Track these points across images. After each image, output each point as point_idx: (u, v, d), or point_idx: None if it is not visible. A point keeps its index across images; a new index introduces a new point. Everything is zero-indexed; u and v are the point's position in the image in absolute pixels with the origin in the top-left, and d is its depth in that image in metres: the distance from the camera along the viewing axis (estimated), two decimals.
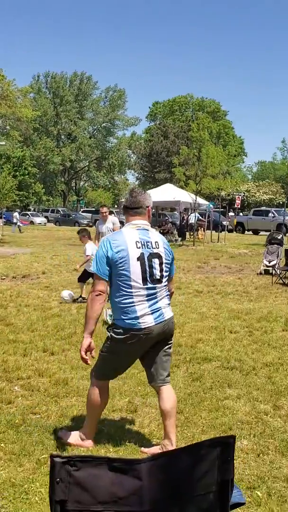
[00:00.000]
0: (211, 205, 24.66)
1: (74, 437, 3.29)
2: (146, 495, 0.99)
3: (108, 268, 3.01)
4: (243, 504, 1.19)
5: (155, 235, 3.20)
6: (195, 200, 22.00)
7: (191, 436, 3.50)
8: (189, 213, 24.36)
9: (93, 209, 40.84)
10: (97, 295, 3.01)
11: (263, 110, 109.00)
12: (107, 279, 3.03)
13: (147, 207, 3.20)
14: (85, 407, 3.39)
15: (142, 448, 3.27)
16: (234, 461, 0.83)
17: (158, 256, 3.10)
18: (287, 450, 3.33)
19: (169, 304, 3.23)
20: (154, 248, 3.10)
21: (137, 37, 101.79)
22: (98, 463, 1.04)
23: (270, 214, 30.38)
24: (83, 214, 44.60)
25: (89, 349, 3.09)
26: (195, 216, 23.34)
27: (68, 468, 1.03)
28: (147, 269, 3.03)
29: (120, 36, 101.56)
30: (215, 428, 3.62)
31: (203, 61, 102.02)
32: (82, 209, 49.72)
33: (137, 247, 3.03)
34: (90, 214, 40.83)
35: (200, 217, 24.77)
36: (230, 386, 4.50)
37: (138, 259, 3.01)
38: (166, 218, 27.45)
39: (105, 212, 9.26)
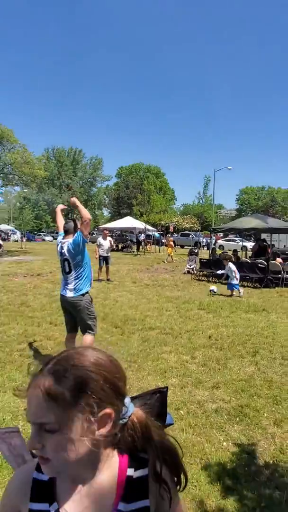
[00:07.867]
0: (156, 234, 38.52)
1: None
2: None
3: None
4: (172, 424, 1.44)
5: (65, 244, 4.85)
6: (145, 227, 34.00)
7: (141, 377, 4.84)
8: (141, 235, 35.09)
9: None
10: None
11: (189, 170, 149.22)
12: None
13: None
14: None
15: None
16: (167, 392, 1.32)
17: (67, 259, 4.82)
18: (199, 384, 4.72)
19: (74, 288, 4.80)
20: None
21: (114, 126, 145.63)
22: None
23: (190, 236, 43.76)
24: None
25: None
26: (144, 236, 34.16)
27: None
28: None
29: (102, 123, 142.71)
30: (156, 372, 4.98)
31: (150, 138, 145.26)
32: None
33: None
34: None
35: (147, 237, 35.99)
36: (166, 345, 6.19)
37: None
38: (127, 237, 38.66)
39: (107, 233, 14.93)
